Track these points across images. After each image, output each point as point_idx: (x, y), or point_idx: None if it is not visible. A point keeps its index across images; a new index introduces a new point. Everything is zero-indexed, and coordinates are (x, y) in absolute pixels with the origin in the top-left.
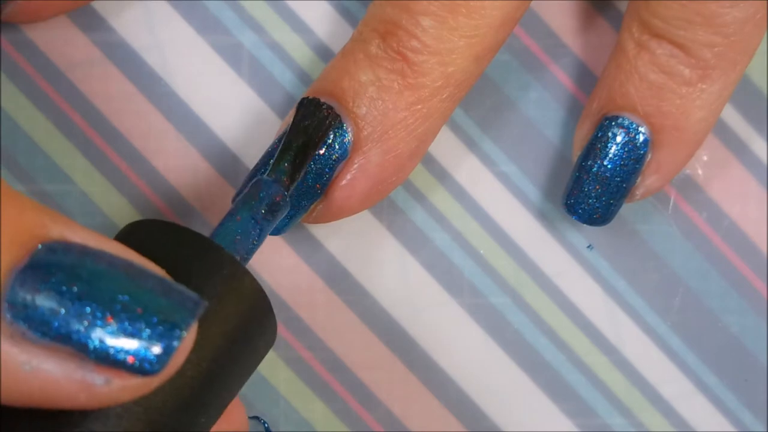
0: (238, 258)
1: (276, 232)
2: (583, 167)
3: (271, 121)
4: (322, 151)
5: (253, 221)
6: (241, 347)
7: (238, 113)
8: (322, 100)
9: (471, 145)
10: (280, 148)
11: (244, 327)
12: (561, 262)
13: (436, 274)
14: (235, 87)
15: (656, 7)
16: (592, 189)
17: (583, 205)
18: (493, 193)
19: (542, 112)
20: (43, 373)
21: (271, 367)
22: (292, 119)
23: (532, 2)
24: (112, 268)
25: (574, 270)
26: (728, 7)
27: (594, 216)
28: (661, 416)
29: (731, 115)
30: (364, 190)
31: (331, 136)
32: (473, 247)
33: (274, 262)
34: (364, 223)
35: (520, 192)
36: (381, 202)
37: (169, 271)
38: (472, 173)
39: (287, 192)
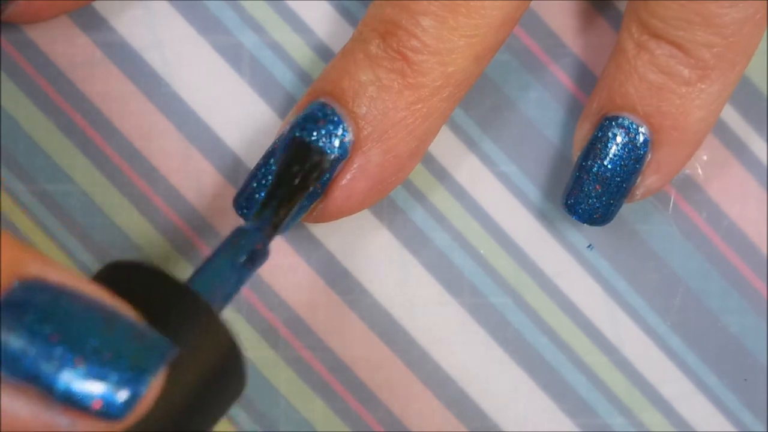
0: (214, 304)
1: None
2: (583, 167)
3: (272, 121)
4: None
5: (231, 269)
6: (209, 396)
7: (238, 113)
8: (322, 99)
9: (471, 145)
10: (266, 192)
11: (213, 375)
12: (561, 262)
13: (436, 274)
14: (235, 87)
15: (655, 8)
16: (592, 189)
17: (583, 205)
18: (494, 193)
19: (542, 112)
20: (11, 412)
21: (271, 367)
22: (290, 122)
23: (532, 2)
24: (85, 309)
25: (574, 270)
26: (727, 7)
27: (594, 216)
28: (661, 416)
29: (731, 115)
30: (364, 189)
31: (331, 139)
32: (473, 247)
33: (274, 262)
34: (364, 222)
35: (520, 192)
36: (381, 201)
37: (144, 315)
38: (473, 173)
39: (269, 240)
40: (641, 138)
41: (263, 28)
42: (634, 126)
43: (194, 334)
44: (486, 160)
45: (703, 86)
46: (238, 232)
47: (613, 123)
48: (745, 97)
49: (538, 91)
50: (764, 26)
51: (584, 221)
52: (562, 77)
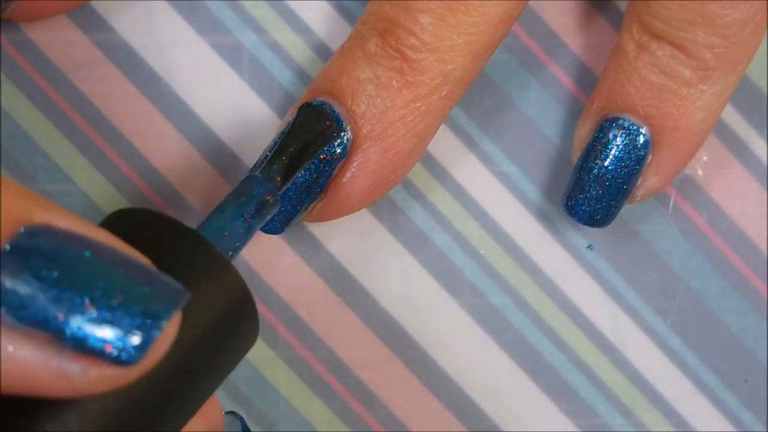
0: (224, 253)
1: (276, 231)
2: (583, 168)
3: (271, 121)
4: (322, 156)
5: (241, 219)
6: (222, 345)
7: (238, 113)
8: (321, 98)
9: (471, 145)
10: (276, 147)
11: (226, 324)
12: (561, 262)
13: (436, 274)
14: (235, 87)
15: (656, 8)
16: (592, 190)
17: (583, 207)
18: (494, 193)
19: (542, 112)
20: (20, 359)
21: (271, 367)
22: (292, 118)
23: (532, 2)
24: (94, 254)
25: (574, 270)
26: (728, 8)
27: (594, 217)
28: (661, 416)
29: (731, 116)
30: (363, 188)
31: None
32: (473, 247)
33: (274, 262)
34: (364, 222)
35: (520, 192)
36: (381, 201)
37: (154, 262)
38: (472, 173)
39: (279, 191)
40: (642, 139)
41: (263, 28)
42: (635, 127)
43: (207, 281)
44: (486, 160)
45: (704, 87)
46: (248, 182)
47: (614, 124)
48: (746, 97)
49: (538, 91)
50: (765, 27)
51: (584, 222)
52: (562, 77)
